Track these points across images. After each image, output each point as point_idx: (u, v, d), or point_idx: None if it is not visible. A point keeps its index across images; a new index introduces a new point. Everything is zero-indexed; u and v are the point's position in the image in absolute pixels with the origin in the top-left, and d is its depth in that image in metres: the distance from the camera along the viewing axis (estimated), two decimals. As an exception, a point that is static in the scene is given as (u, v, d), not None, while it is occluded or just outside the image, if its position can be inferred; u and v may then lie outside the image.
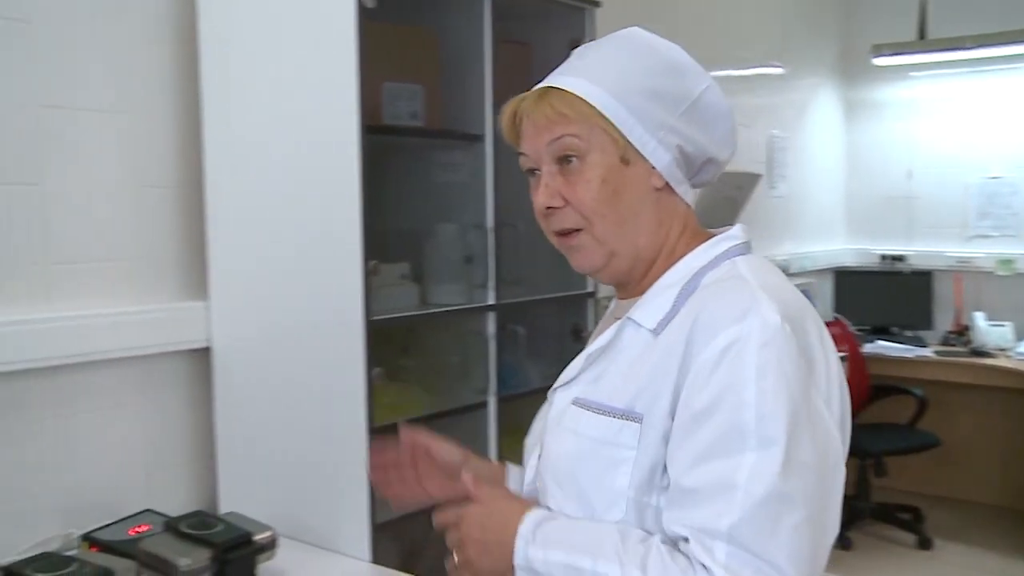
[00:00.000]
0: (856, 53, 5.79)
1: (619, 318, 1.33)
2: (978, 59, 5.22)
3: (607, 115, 1.24)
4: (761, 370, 1.13)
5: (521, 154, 1.33)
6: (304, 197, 2.15)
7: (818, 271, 5.50)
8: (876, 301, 5.71)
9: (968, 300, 5.52)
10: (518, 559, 1.24)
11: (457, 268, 2.44)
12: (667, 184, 1.28)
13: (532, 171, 1.32)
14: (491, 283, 2.43)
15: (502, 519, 1.28)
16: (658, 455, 1.19)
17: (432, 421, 2.20)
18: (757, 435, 1.11)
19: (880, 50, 5.27)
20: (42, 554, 1.88)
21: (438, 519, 1.36)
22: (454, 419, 2.40)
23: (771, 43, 5.14)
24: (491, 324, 2.45)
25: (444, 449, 1.52)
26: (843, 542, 4.81)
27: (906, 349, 5.29)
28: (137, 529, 2.14)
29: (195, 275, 2.45)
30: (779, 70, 5.22)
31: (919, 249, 5.81)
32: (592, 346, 1.34)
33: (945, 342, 5.43)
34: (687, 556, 1.13)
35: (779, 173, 5.23)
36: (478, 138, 2.42)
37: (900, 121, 5.89)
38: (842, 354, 3.92)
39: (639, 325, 1.27)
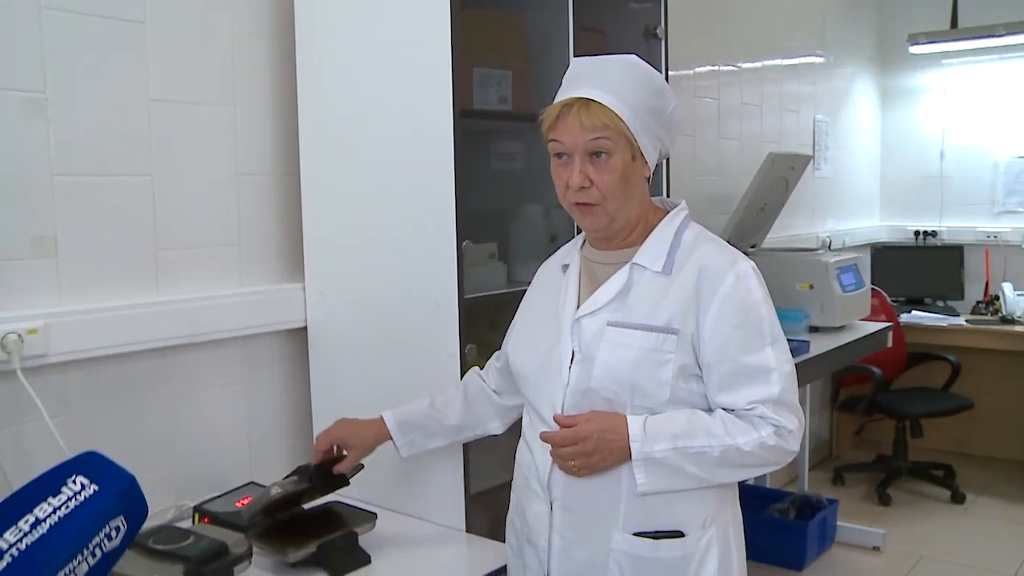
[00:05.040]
0: (892, 42, 5.51)
1: (601, 263, 1.63)
2: (1008, 46, 4.96)
3: (630, 128, 1.51)
4: (762, 294, 1.54)
5: (553, 140, 1.54)
6: (398, 182, 2.00)
7: (857, 247, 5.21)
8: (911, 274, 5.43)
9: (996, 272, 5.26)
10: (637, 455, 1.49)
11: (542, 246, 2.29)
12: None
13: (560, 155, 1.55)
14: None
15: (615, 429, 1.50)
16: (687, 356, 1.51)
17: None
18: (771, 336, 1.52)
19: (915, 38, 5.00)
20: (161, 526, 1.75)
21: (546, 439, 1.54)
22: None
23: (813, 33, 4.89)
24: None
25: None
26: (882, 498, 4.68)
27: (940, 318, 5.04)
28: (243, 501, 2.03)
29: (293, 258, 2.32)
30: (821, 59, 4.96)
31: (951, 225, 5.54)
32: (612, 285, 1.58)
33: (976, 311, 5.16)
34: (747, 418, 1.50)
35: (822, 155, 4.99)
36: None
37: (933, 105, 5.60)
38: (883, 324, 3.82)
39: (645, 268, 1.57)
